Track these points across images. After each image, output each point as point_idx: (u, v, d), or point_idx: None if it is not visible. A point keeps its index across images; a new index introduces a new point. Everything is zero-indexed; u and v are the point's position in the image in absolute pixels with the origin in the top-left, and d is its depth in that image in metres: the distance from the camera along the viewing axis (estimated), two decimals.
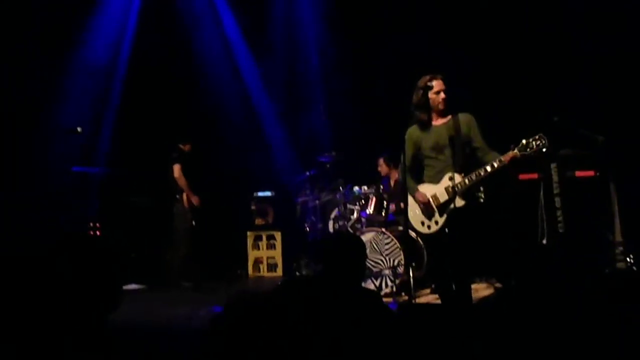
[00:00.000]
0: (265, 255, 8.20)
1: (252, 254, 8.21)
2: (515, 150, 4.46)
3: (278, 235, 8.16)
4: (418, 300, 5.36)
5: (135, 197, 8.03)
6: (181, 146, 7.50)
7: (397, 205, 6.35)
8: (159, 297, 6.84)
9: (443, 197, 4.57)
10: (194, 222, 7.49)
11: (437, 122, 4.73)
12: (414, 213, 4.64)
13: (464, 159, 4.62)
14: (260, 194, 8.32)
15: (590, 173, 5.81)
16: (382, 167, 7.17)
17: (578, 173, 5.85)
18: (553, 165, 5.85)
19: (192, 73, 8.38)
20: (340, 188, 6.90)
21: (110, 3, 8.26)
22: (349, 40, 8.02)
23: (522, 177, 6.06)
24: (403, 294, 5.78)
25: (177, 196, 7.43)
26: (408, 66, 6.40)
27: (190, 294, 6.96)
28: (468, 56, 7.09)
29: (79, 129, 6.57)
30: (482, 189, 5.89)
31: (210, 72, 8.46)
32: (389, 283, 5.85)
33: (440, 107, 4.66)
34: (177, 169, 7.35)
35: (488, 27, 7.14)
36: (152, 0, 8.38)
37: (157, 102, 8.13)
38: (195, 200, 7.41)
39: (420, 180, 4.74)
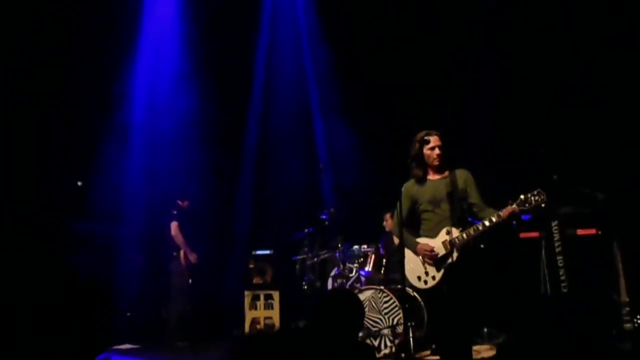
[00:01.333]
0: (262, 316, 7.98)
1: (249, 314, 7.99)
2: (514, 206, 4.44)
3: (276, 295, 7.97)
4: None
5: (131, 254, 7.94)
6: (179, 203, 7.48)
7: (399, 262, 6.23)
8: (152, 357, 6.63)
9: (440, 251, 4.51)
10: (190, 281, 7.40)
11: (434, 177, 4.73)
12: (410, 268, 4.56)
13: (462, 213, 4.60)
14: (259, 252, 8.20)
15: (592, 231, 5.72)
16: (388, 222, 7.08)
17: (580, 231, 5.76)
18: (554, 224, 5.77)
19: (190, 125, 8.45)
20: (339, 246, 6.80)
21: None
22: (351, 95, 8.11)
23: (523, 235, 5.99)
24: (403, 355, 5.59)
25: (175, 253, 7.37)
26: (408, 121, 6.45)
27: (185, 354, 6.77)
28: (470, 114, 7.15)
29: (79, 183, 6.57)
30: (482, 246, 5.83)
31: (210, 124, 8.51)
32: (388, 343, 5.67)
33: (435, 162, 4.65)
34: (174, 226, 7.33)
35: (489, 85, 7.22)
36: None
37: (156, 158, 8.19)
38: (193, 257, 7.34)
39: (417, 234, 4.69)
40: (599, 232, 5.66)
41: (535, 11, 7.02)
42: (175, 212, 7.41)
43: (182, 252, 7.35)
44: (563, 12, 6.89)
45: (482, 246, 5.76)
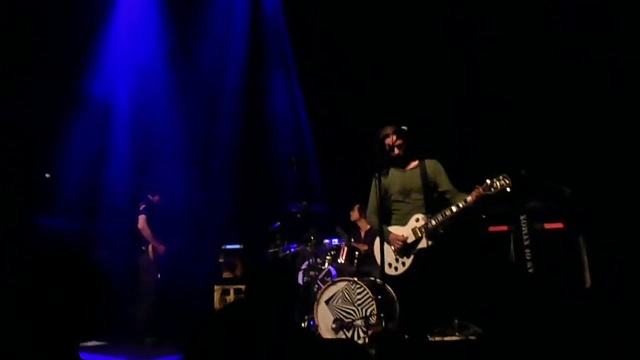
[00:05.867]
0: None
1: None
2: (480, 189, 4.55)
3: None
4: None
5: (99, 250, 7.78)
6: (150, 197, 7.38)
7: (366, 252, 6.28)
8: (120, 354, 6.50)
9: (410, 238, 4.61)
10: (159, 275, 7.30)
11: (404, 168, 4.83)
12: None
13: (431, 202, 4.72)
14: (228, 246, 8.12)
15: (559, 225, 5.84)
16: (354, 214, 7.15)
17: (547, 225, 5.87)
18: (522, 217, 5.88)
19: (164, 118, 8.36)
20: (311, 238, 6.79)
21: None
22: (322, 93, 8.15)
23: (492, 229, 6.07)
24: None
25: (143, 248, 7.27)
26: (376, 113, 6.52)
27: (153, 350, 6.66)
28: (439, 109, 7.24)
29: (47, 175, 6.41)
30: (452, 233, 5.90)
31: (185, 124, 8.44)
32: (361, 334, 5.70)
33: (397, 160, 4.77)
34: (142, 219, 7.21)
35: (457, 85, 7.32)
36: None
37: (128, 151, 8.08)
38: (161, 250, 7.24)
39: (388, 224, 4.78)
40: (566, 226, 5.80)
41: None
42: (144, 206, 7.30)
43: (150, 247, 7.24)
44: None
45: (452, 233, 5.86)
